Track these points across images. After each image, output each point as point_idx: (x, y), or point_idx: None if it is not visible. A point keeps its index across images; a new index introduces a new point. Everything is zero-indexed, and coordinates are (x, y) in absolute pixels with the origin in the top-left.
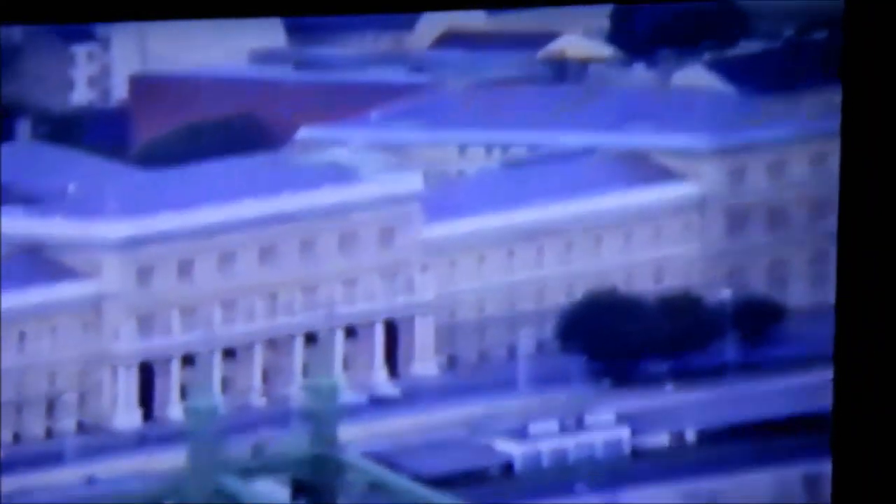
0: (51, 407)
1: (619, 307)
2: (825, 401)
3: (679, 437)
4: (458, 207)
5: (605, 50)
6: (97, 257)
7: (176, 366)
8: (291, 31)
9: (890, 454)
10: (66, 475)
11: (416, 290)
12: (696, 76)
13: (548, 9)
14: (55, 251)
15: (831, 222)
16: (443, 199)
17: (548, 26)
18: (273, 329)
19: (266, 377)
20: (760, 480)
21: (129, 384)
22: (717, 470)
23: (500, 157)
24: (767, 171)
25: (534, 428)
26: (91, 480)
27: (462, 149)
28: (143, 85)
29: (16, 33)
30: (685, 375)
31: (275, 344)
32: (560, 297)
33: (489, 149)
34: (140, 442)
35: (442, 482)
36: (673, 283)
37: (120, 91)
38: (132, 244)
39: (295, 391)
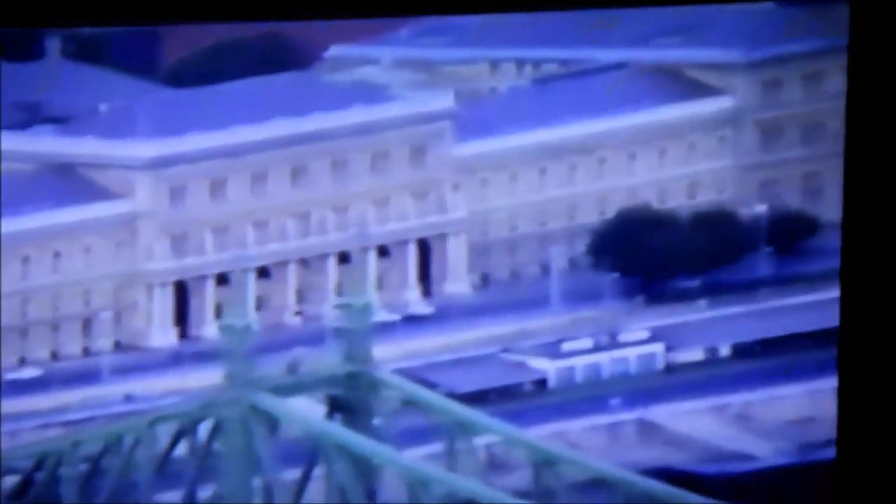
0: (87, 326)
1: (651, 223)
2: None
3: (712, 352)
4: (489, 125)
5: None
6: (129, 176)
7: (210, 285)
8: None
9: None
10: (103, 393)
11: (447, 208)
12: None
13: None
14: (87, 170)
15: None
16: (474, 117)
17: None
18: (306, 248)
19: (300, 296)
20: (793, 394)
21: (163, 303)
22: (749, 384)
23: (532, 74)
24: (802, 83)
25: (567, 345)
26: (128, 398)
27: (493, 66)
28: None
29: None
30: (719, 291)
31: (308, 263)
32: (592, 215)
33: (520, 65)
34: (176, 360)
35: (475, 399)
36: (706, 198)
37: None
38: (164, 163)
39: (328, 310)
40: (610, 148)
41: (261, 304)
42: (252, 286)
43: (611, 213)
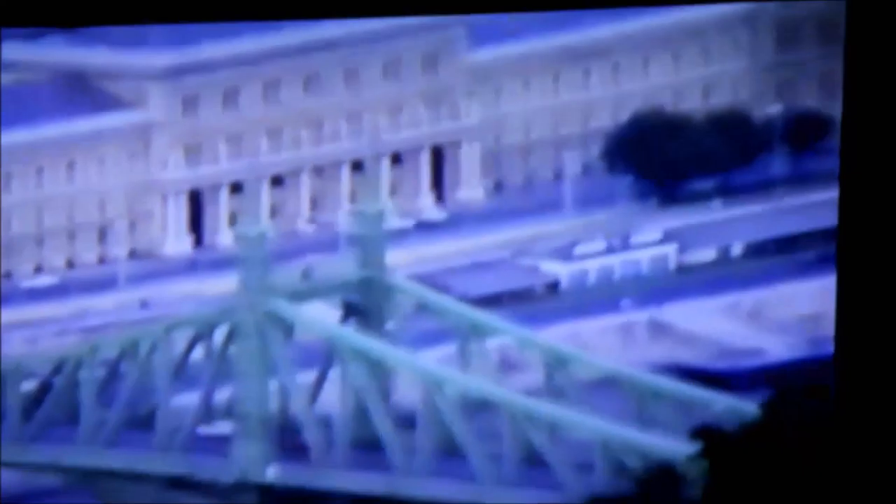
0: (102, 234)
1: (666, 126)
2: None
3: (725, 251)
4: (502, 31)
5: None
6: (143, 86)
7: (224, 193)
8: None
9: None
10: (120, 300)
11: (461, 115)
12: None
13: None
14: (100, 80)
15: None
16: (487, 23)
17: None
18: (319, 156)
19: (313, 204)
20: (804, 290)
21: (178, 211)
22: (761, 282)
23: None
24: None
25: (580, 248)
26: (144, 305)
27: None
28: None
29: None
30: (733, 191)
31: (321, 171)
32: (606, 119)
33: None
34: (191, 267)
35: (488, 302)
36: (721, 100)
37: None
38: (177, 73)
39: (342, 217)
40: (625, 52)
41: (275, 212)
42: (266, 194)
43: (625, 117)
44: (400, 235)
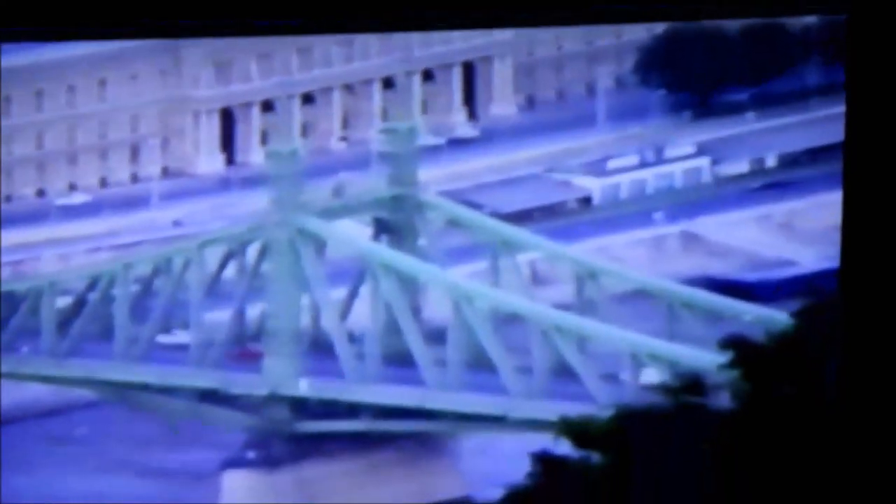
0: (135, 152)
1: (700, 38)
2: None
3: (759, 163)
4: None
5: None
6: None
7: (256, 111)
8: None
9: None
10: (153, 217)
11: (493, 30)
12: None
13: None
14: None
15: None
16: None
17: None
18: (350, 73)
19: (345, 121)
20: (836, 201)
21: (210, 129)
22: (794, 193)
23: None
24: None
25: (612, 163)
26: (176, 223)
27: None
28: None
29: None
30: (767, 102)
31: (353, 88)
32: (640, 31)
33: None
34: (223, 185)
35: (520, 218)
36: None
37: None
38: None
39: (374, 134)
40: None
41: (306, 130)
42: (297, 112)
43: (658, 29)
44: (432, 152)
